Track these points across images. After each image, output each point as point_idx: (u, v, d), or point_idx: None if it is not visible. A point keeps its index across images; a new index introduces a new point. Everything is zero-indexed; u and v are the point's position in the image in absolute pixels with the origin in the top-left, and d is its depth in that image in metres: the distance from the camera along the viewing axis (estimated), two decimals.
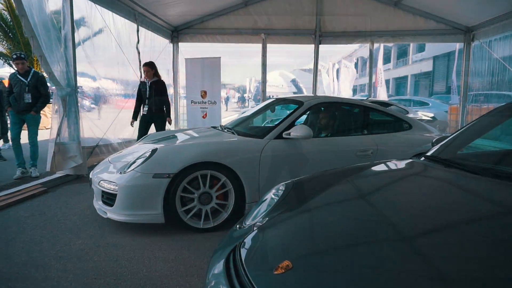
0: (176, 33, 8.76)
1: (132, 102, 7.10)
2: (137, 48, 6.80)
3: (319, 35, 8.52)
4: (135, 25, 6.74)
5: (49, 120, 4.78)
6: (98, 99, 6.17)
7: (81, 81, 5.46)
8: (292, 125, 3.42)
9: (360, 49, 35.27)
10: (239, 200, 3.15)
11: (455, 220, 1.36)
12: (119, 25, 6.20)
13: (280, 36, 8.81)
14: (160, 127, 5.58)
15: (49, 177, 4.77)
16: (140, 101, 5.64)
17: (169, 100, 5.81)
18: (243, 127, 3.98)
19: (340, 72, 17.73)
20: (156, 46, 7.83)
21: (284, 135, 3.31)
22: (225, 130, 3.83)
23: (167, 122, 5.69)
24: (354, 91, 41.02)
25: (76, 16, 5.02)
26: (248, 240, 1.58)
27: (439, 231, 1.28)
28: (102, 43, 5.88)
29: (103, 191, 3.05)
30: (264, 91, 9.38)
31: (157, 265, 2.51)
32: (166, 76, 7.99)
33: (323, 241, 1.38)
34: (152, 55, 7.36)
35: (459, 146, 2.30)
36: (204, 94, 7.68)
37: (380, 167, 2.15)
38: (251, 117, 4.41)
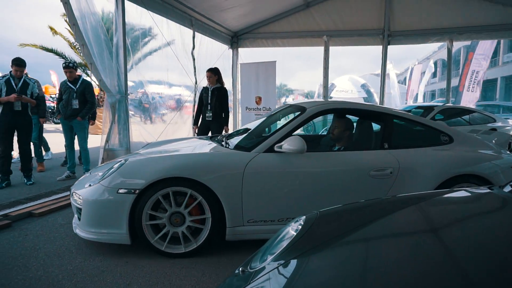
0: (235, 38, 8.63)
1: (187, 109, 7.09)
2: (192, 54, 6.76)
3: (388, 35, 7.73)
4: (191, 31, 6.71)
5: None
6: (150, 105, 6.22)
7: (133, 88, 5.52)
8: (288, 135, 2.86)
9: (439, 51, 32.41)
10: (219, 224, 2.72)
11: None
12: (174, 31, 6.18)
13: (344, 38, 8.19)
14: (216, 134, 5.42)
15: None
16: (201, 106, 5.56)
17: (229, 108, 5.65)
18: (245, 137, 3.33)
19: (412, 75, 16.40)
20: (213, 52, 7.75)
21: (275, 148, 2.79)
22: (218, 140, 3.36)
23: (224, 130, 5.53)
24: (433, 95, 37.76)
25: (129, 24, 5.06)
26: None
27: None
28: (156, 49, 5.90)
29: (75, 205, 2.84)
30: (326, 96, 8.81)
31: None
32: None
33: None
34: (208, 61, 7.29)
35: None
36: (258, 100, 7.37)
37: (440, 200, 1.59)
38: (261, 125, 3.72)
